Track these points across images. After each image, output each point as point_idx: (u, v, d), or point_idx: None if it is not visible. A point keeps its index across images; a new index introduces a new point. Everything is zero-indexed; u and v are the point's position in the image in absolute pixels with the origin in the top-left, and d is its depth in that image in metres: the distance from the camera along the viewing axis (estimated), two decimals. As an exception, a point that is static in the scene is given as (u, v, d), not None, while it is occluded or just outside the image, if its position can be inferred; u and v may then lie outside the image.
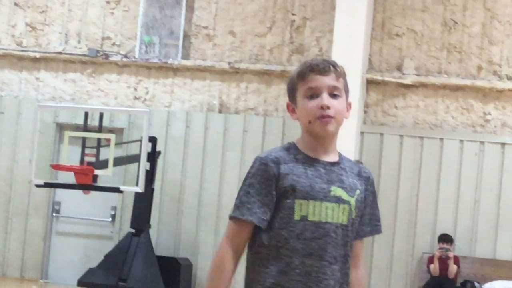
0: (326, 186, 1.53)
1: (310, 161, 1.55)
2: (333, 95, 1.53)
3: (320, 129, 1.50)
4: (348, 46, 7.31)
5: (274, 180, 1.50)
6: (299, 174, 1.51)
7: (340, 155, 1.67)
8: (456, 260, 7.62)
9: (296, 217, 1.52)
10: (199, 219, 7.68)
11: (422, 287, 7.62)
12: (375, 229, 1.72)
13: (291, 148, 1.57)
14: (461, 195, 7.71)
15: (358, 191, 1.61)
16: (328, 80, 1.55)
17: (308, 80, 1.55)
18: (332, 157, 1.57)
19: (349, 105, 1.62)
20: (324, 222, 1.54)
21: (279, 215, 1.53)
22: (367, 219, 1.68)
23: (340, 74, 1.59)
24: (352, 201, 1.58)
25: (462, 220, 7.68)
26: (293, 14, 7.81)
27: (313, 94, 1.52)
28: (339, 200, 1.54)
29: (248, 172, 1.51)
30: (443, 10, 7.63)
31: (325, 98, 1.49)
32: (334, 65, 1.59)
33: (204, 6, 7.94)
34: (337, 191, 1.55)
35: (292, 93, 1.58)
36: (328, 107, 1.49)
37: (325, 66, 1.56)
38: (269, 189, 1.49)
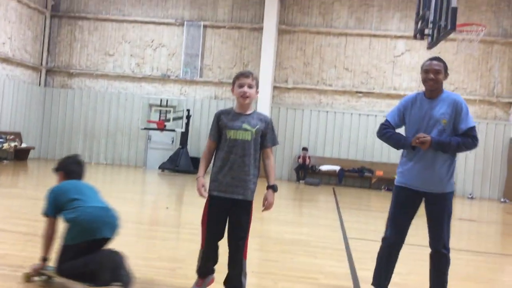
0: (241, 124, 3.40)
1: (236, 114, 3.46)
2: (250, 86, 3.37)
3: (242, 101, 3.42)
4: (266, 71, 16.07)
5: (217, 121, 3.48)
6: (229, 118, 3.44)
7: (253, 111, 3.51)
8: (308, 157, 15.98)
9: (228, 136, 3.42)
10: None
11: (295, 168, 16.06)
12: (273, 143, 3.54)
13: (230, 109, 3.51)
14: (315, 124, 16.65)
15: (258, 126, 3.44)
16: (248, 80, 3.38)
17: (239, 79, 3.41)
18: (247, 112, 3.46)
19: (257, 92, 3.42)
20: (238, 139, 3.42)
21: (222, 137, 3.46)
22: (268, 138, 3.53)
23: (253, 77, 3.43)
24: (253, 130, 3.42)
25: (312, 140, 16.45)
26: (244, 61, 16.95)
27: (241, 85, 3.39)
28: (246, 129, 3.40)
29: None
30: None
31: (246, 88, 3.38)
32: (251, 73, 3.45)
33: (208, 55, 16.98)
34: (245, 126, 3.42)
35: (233, 83, 3.50)
36: (245, 92, 3.37)
37: (247, 73, 3.42)
38: (217, 124, 3.46)
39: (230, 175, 3.45)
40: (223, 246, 3.64)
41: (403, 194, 3.87)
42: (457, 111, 3.76)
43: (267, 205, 3.58)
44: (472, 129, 3.76)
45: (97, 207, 3.71)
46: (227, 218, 3.54)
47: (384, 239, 3.93)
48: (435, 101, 3.81)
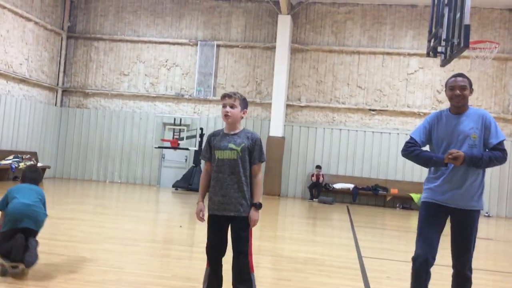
0: (227, 144, 3.61)
1: (224, 134, 3.70)
2: (231, 106, 3.61)
3: (225, 120, 3.68)
4: (279, 89, 16.27)
5: (209, 143, 3.73)
6: (218, 139, 3.69)
7: (241, 130, 3.68)
8: (322, 175, 15.96)
9: (216, 156, 3.69)
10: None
11: (308, 186, 16.06)
12: (260, 160, 3.69)
13: (220, 130, 3.73)
14: (320, 144, 16.71)
15: (243, 144, 3.61)
16: (230, 100, 3.63)
17: (223, 99, 3.68)
18: (235, 131, 3.66)
19: (243, 112, 3.66)
20: (225, 158, 3.65)
21: (212, 157, 3.71)
22: (255, 155, 3.68)
23: (237, 97, 3.62)
24: (239, 149, 3.61)
25: (325, 158, 16.54)
26: (257, 79, 17.07)
27: (224, 105, 3.67)
28: (231, 149, 3.60)
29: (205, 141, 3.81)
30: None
31: (227, 108, 3.62)
32: (234, 93, 3.64)
33: (221, 74, 17.21)
34: (231, 145, 3.63)
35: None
36: (227, 112, 3.62)
37: (230, 94, 3.63)
38: (208, 146, 3.74)
39: (220, 193, 3.62)
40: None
41: (430, 208, 3.77)
42: (485, 126, 3.73)
43: (251, 223, 3.70)
44: (502, 142, 3.73)
45: (23, 203, 4.63)
46: (227, 236, 3.67)
47: (414, 259, 3.76)
48: (462, 116, 3.78)
